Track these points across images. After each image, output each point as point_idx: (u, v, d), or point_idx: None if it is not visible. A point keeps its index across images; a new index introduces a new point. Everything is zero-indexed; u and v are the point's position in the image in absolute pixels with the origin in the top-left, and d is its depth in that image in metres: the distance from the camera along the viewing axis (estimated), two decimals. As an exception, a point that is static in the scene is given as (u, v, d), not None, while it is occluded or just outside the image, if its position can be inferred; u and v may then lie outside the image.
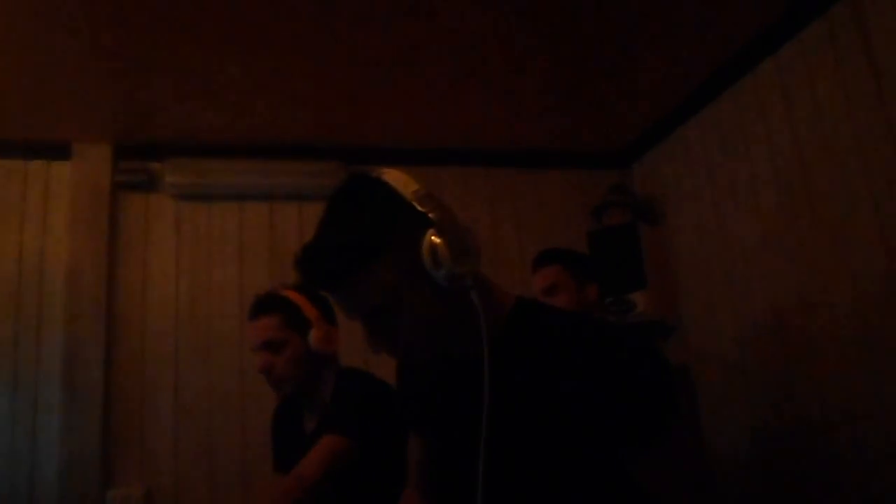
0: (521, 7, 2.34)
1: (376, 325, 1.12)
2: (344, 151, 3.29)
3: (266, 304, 1.96)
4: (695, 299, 3.14)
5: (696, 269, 3.13)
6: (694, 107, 3.07)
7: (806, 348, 2.46)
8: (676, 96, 3.07)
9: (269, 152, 3.24)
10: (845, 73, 2.29)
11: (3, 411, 2.82)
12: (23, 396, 2.85)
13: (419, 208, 1.06)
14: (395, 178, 1.09)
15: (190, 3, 2.21)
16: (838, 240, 2.33)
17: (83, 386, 2.84)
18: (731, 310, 2.87)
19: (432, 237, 1.04)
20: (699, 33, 2.56)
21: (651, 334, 3.16)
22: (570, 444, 1.10)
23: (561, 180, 3.62)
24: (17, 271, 2.95)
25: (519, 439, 1.12)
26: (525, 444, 1.12)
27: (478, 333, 1.07)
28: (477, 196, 3.51)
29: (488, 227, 3.47)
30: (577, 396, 1.08)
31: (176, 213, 3.16)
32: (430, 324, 1.11)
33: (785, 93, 2.56)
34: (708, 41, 2.62)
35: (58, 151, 3.06)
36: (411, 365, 1.40)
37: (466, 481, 1.14)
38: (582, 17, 2.42)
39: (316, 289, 1.85)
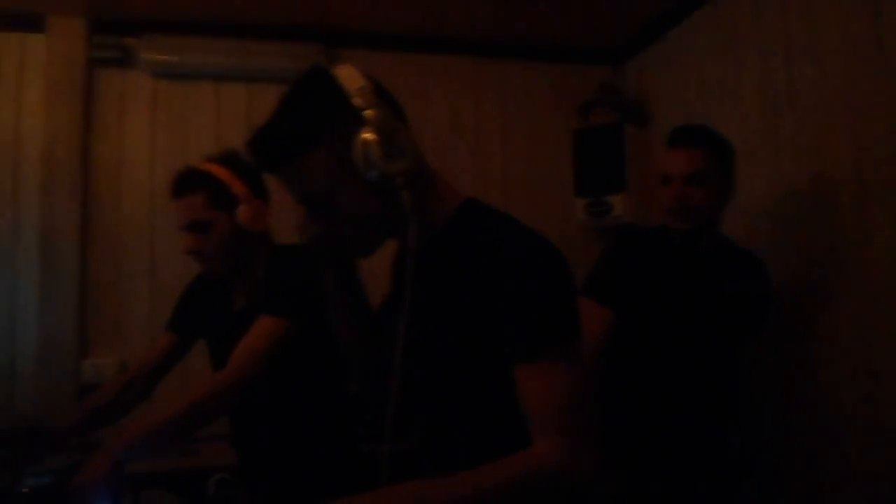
0: None
1: (311, 211, 1.15)
2: (327, 34, 3.19)
3: (189, 182, 1.82)
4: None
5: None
6: (689, 7, 2.93)
7: (781, 264, 2.42)
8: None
9: (249, 32, 3.13)
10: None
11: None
12: (2, 271, 2.91)
13: (356, 104, 1.07)
14: (345, 72, 1.11)
15: None
16: (816, 149, 2.28)
17: (60, 261, 2.89)
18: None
19: (365, 135, 1.05)
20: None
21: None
22: (469, 353, 1.11)
23: (550, 75, 3.51)
24: (-8, 145, 2.94)
25: (430, 339, 1.14)
26: (434, 345, 1.14)
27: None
28: (463, 86, 3.42)
29: (472, 119, 3.41)
30: (477, 307, 1.08)
31: (152, 91, 3.11)
32: (361, 219, 1.13)
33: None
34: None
35: (32, 23, 2.97)
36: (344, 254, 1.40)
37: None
38: None
39: (260, 170, 1.81)
